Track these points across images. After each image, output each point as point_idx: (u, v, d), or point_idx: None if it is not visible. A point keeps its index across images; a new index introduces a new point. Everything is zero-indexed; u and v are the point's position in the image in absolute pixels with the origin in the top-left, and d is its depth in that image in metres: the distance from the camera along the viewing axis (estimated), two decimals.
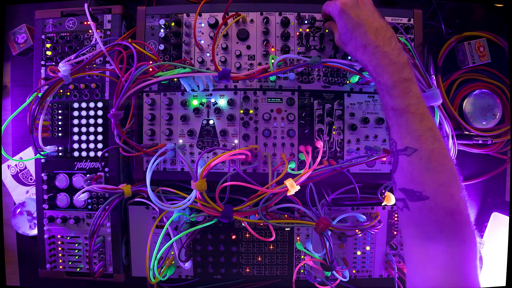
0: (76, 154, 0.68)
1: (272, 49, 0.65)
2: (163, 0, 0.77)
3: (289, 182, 0.54)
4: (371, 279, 0.70)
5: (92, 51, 0.66)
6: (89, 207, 0.69)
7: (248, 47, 0.65)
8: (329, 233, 0.59)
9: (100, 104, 0.67)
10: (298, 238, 0.69)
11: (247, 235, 0.69)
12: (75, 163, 0.68)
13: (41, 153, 0.65)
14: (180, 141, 0.66)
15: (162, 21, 0.65)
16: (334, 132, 0.65)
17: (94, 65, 0.68)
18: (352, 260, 0.69)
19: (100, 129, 0.67)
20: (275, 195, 0.56)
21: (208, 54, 0.66)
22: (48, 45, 0.68)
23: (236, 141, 0.66)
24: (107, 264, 0.69)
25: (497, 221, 0.75)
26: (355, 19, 0.48)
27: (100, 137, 0.67)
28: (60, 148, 0.68)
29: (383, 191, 0.66)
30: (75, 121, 0.68)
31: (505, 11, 0.75)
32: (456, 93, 0.75)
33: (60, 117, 0.68)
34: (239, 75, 0.56)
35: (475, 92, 0.74)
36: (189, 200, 0.56)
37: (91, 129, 0.68)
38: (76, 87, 0.67)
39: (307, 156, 0.61)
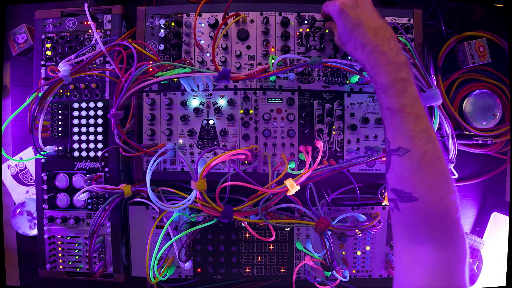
0: (76, 154, 0.68)
1: (272, 49, 0.65)
2: (163, 0, 0.77)
3: (289, 182, 0.54)
4: (371, 279, 0.70)
5: (92, 51, 0.66)
6: (89, 207, 0.69)
7: (248, 47, 0.65)
8: (329, 233, 0.59)
9: (100, 104, 0.67)
10: (298, 238, 0.69)
11: (247, 235, 0.69)
12: (75, 163, 0.68)
13: (41, 153, 0.65)
14: (180, 141, 0.66)
15: (162, 21, 0.65)
16: (334, 132, 0.65)
17: (94, 65, 0.68)
18: (352, 260, 0.69)
19: (100, 129, 0.67)
20: (275, 195, 0.56)
21: (208, 54, 0.66)
22: (48, 45, 0.68)
23: (236, 141, 0.66)
24: (107, 264, 0.69)
25: (497, 221, 0.76)
26: (354, 19, 0.48)
27: (100, 137, 0.67)
28: (60, 148, 0.68)
29: (383, 191, 0.66)
30: (75, 121, 0.68)
31: (505, 11, 0.75)
32: (456, 93, 0.75)
33: (60, 117, 0.68)
34: (239, 75, 0.56)
35: (475, 92, 0.74)
36: (189, 200, 0.56)
37: (91, 129, 0.68)
38: (76, 87, 0.67)
39: (307, 156, 0.61)
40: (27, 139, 0.79)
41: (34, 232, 0.76)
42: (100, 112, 0.67)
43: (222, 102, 0.65)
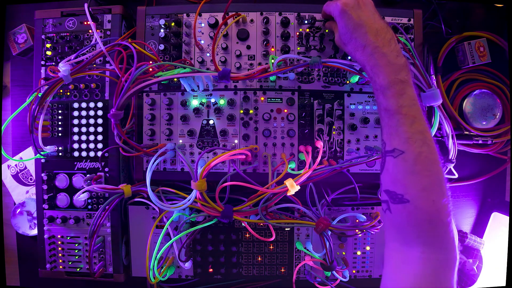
0: (76, 154, 0.68)
1: (272, 49, 0.65)
2: (163, 0, 0.77)
3: (289, 182, 0.54)
4: (371, 279, 0.70)
5: (92, 51, 0.66)
6: (89, 207, 0.69)
7: (248, 47, 0.65)
8: (329, 233, 0.59)
9: (100, 104, 0.67)
10: (298, 238, 0.69)
11: (247, 235, 0.69)
12: (75, 163, 0.68)
13: (41, 153, 0.65)
14: (180, 141, 0.66)
15: (162, 21, 0.65)
16: (334, 132, 0.65)
17: (94, 65, 0.68)
18: (352, 260, 0.69)
19: (100, 129, 0.67)
20: (275, 195, 0.56)
21: (208, 54, 0.66)
22: (48, 45, 0.68)
23: (236, 141, 0.66)
24: (107, 264, 0.69)
25: (497, 221, 0.75)
26: (356, 20, 0.48)
27: (100, 137, 0.67)
28: (60, 148, 0.68)
29: None
30: (75, 121, 0.68)
31: (505, 11, 0.75)
32: (456, 93, 0.75)
33: (60, 117, 0.68)
34: (239, 75, 0.56)
35: (475, 92, 0.74)
36: (189, 200, 0.56)
37: (91, 129, 0.68)
38: (76, 87, 0.67)
39: (307, 156, 0.61)
40: (27, 139, 0.79)
41: (34, 232, 0.76)
42: (100, 112, 0.67)
43: (222, 102, 0.65)
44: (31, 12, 0.70)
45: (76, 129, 0.68)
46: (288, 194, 0.55)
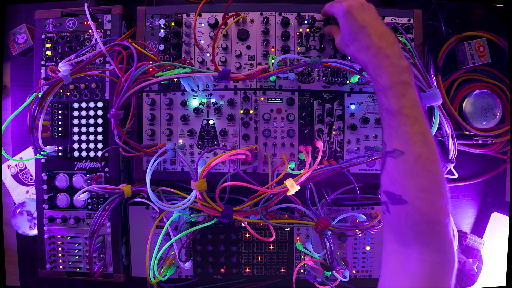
0: (76, 154, 0.68)
1: (272, 49, 0.65)
2: (163, 0, 0.77)
3: (289, 182, 0.54)
4: (371, 279, 0.70)
5: (92, 51, 0.66)
6: (89, 207, 0.69)
7: (248, 47, 0.65)
8: (329, 233, 0.59)
9: (100, 104, 0.67)
10: (298, 238, 0.69)
11: (247, 235, 0.69)
12: (75, 163, 0.68)
13: (41, 153, 0.65)
14: (180, 141, 0.66)
15: (162, 21, 0.65)
16: (334, 132, 0.65)
17: (94, 65, 0.68)
18: (352, 260, 0.69)
19: (100, 129, 0.67)
20: (275, 195, 0.56)
21: (208, 54, 0.66)
22: (48, 45, 0.68)
23: (236, 141, 0.66)
24: (107, 264, 0.69)
25: (497, 221, 0.75)
26: (360, 21, 0.49)
27: (100, 137, 0.67)
28: (60, 148, 0.68)
29: None
30: (75, 121, 0.68)
31: (505, 11, 0.75)
32: (456, 93, 0.75)
33: (60, 117, 0.68)
34: (239, 75, 0.56)
35: (475, 92, 0.74)
36: (189, 200, 0.56)
37: (91, 129, 0.68)
38: (76, 87, 0.67)
39: (307, 156, 0.61)
40: (27, 139, 0.79)
41: (34, 232, 0.76)
42: (100, 112, 0.67)
43: (222, 102, 0.65)
44: (31, 12, 0.70)
45: (76, 129, 0.68)
46: (288, 194, 0.55)
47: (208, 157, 0.65)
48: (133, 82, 0.54)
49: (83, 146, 0.68)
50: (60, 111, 0.68)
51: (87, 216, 0.69)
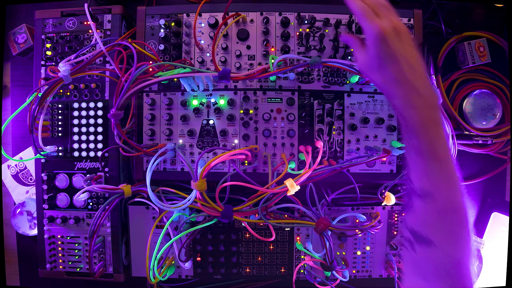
0: (76, 154, 0.68)
1: (272, 49, 0.65)
2: (163, 0, 0.77)
3: (289, 182, 0.54)
4: (371, 279, 0.70)
5: (92, 51, 0.66)
6: (89, 207, 0.69)
7: (248, 47, 0.65)
8: (329, 233, 0.59)
9: (100, 104, 0.67)
10: (298, 238, 0.69)
11: (247, 235, 0.69)
12: (75, 163, 0.68)
13: (41, 153, 0.65)
14: (180, 141, 0.66)
15: (162, 21, 0.65)
16: (334, 132, 0.65)
17: (94, 65, 0.68)
18: (352, 260, 0.69)
19: (100, 129, 0.67)
20: (275, 195, 0.56)
21: (208, 54, 0.66)
22: (48, 45, 0.68)
23: (236, 141, 0.66)
24: (107, 264, 0.69)
25: (497, 221, 0.75)
26: (392, 50, 0.44)
27: (100, 137, 0.67)
28: (60, 148, 0.68)
29: (383, 191, 0.66)
30: (75, 121, 0.68)
31: (505, 11, 0.75)
32: (456, 93, 0.75)
33: (60, 117, 0.68)
34: (239, 75, 0.56)
35: (475, 92, 0.74)
36: (189, 200, 0.56)
37: (91, 129, 0.68)
38: (76, 87, 0.67)
39: (307, 156, 0.61)
40: (27, 139, 0.79)
41: (34, 232, 0.76)
42: (100, 112, 0.67)
43: (222, 102, 0.65)
44: (31, 12, 0.70)
45: (76, 129, 0.68)
46: (288, 194, 0.55)
47: (208, 157, 0.65)
48: (133, 82, 0.54)
49: (83, 146, 0.68)
50: (60, 111, 0.68)
51: (87, 216, 0.69)
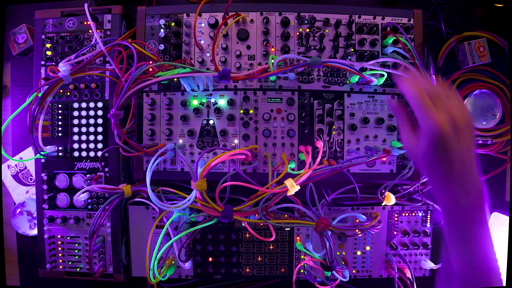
0: (76, 154, 0.68)
1: (272, 49, 0.65)
2: (163, 0, 0.77)
3: (289, 182, 0.54)
4: (371, 279, 0.70)
5: (92, 51, 0.66)
6: (89, 207, 0.69)
7: (248, 47, 0.65)
8: (329, 233, 0.59)
9: (100, 104, 0.67)
10: (298, 238, 0.69)
11: (247, 235, 0.69)
12: (75, 163, 0.68)
13: (41, 153, 0.65)
14: (180, 141, 0.66)
15: (162, 21, 0.65)
16: (334, 132, 0.65)
17: (94, 65, 0.68)
18: (352, 260, 0.69)
19: (100, 129, 0.67)
20: (275, 195, 0.56)
21: (208, 54, 0.66)
22: (48, 45, 0.68)
23: (236, 141, 0.66)
24: (107, 264, 0.69)
25: (497, 221, 0.75)
26: (446, 149, 0.41)
27: (100, 137, 0.67)
28: (60, 148, 0.68)
29: (383, 191, 0.66)
30: (75, 121, 0.68)
31: (505, 11, 0.75)
32: None
33: (60, 117, 0.68)
34: (239, 75, 0.56)
35: (475, 92, 0.74)
36: (189, 200, 0.56)
37: (91, 129, 0.68)
38: (76, 87, 0.67)
39: (307, 156, 0.61)
40: (27, 139, 0.79)
41: (34, 232, 0.76)
42: (100, 112, 0.67)
43: (222, 102, 0.65)
44: (31, 12, 0.70)
45: (76, 129, 0.68)
46: (288, 194, 0.55)
47: (208, 157, 0.65)
48: (133, 82, 0.53)
49: (83, 146, 0.68)
50: (60, 111, 0.68)
51: (87, 216, 0.69)
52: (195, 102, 0.65)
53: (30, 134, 0.61)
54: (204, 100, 0.65)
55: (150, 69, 0.57)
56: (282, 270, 0.70)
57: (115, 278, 0.69)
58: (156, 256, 0.59)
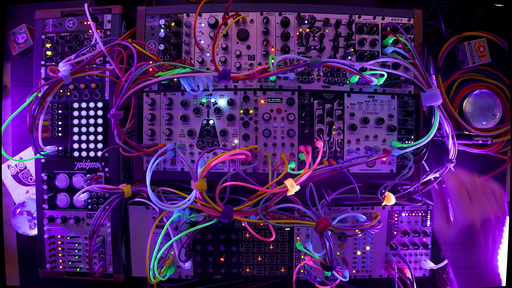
0: (76, 154, 0.68)
1: (272, 49, 0.65)
2: (163, 0, 0.77)
3: (289, 182, 0.54)
4: (371, 279, 0.70)
5: (92, 51, 0.66)
6: (89, 207, 0.69)
7: (248, 47, 0.65)
8: (329, 233, 0.59)
9: (100, 104, 0.67)
10: (298, 238, 0.69)
11: (247, 235, 0.69)
12: (75, 163, 0.68)
13: (41, 153, 0.65)
14: (180, 141, 0.66)
15: (162, 21, 0.65)
16: (334, 132, 0.65)
17: (94, 65, 0.68)
18: (352, 260, 0.69)
19: (100, 129, 0.67)
20: (275, 195, 0.56)
21: (208, 54, 0.66)
22: (48, 45, 0.68)
23: (236, 141, 0.66)
24: (107, 264, 0.69)
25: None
26: (472, 241, 0.49)
27: (100, 137, 0.67)
28: (60, 148, 0.68)
29: (383, 191, 0.66)
30: (75, 121, 0.68)
31: (505, 11, 0.75)
32: (456, 93, 0.75)
33: (60, 117, 0.68)
34: (239, 75, 0.56)
35: (475, 92, 0.74)
36: (189, 200, 0.56)
37: (91, 129, 0.68)
38: (76, 87, 0.67)
39: (307, 156, 0.61)
40: (27, 139, 0.79)
41: (34, 232, 0.76)
42: (100, 112, 0.67)
43: (222, 102, 0.65)
44: (31, 12, 0.70)
45: (76, 129, 0.68)
46: (288, 194, 0.55)
47: (208, 157, 0.65)
48: (133, 82, 0.53)
49: (83, 146, 0.68)
50: (60, 111, 0.68)
51: (87, 216, 0.69)
52: (195, 102, 0.65)
53: (30, 134, 0.61)
54: (204, 100, 0.65)
55: (150, 69, 0.57)
56: (282, 270, 0.70)
57: (115, 278, 0.69)
58: (156, 256, 0.59)
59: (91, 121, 0.68)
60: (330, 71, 0.66)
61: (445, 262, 0.68)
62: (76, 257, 0.69)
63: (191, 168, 0.55)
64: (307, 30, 0.65)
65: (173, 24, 0.66)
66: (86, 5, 0.62)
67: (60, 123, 0.68)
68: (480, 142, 0.74)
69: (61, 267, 0.69)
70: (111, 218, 0.68)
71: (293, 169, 0.64)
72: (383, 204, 0.67)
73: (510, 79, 0.74)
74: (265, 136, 0.64)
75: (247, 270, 0.69)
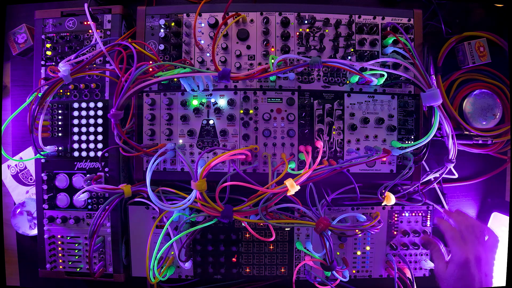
0: (76, 154, 0.68)
1: (272, 49, 0.65)
2: (163, 0, 0.77)
3: (289, 182, 0.54)
4: (371, 279, 0.70)
5: (92, 51, 0.66)
6: (89, 207, 0.69)
7: (248, 47, 0.65)
8: (329, 233, 0.59)
9: (100, 104, 0.67)
10: (298, 238, 0.69)
11: (247, 235, 0.69)
12: (75, 163, 0.68)
13: (41, 153, 0.65)
14: (180, 141, 0.66)
15: (162, 21, 0.65)
16: (334, 132, 0.65)
17: (94, 65, 0.68)
18: (352, 260, 0.69)
19: (100, 129, 0.67)
20: (275, 195, 0.56)
21: (208, 54, 0.66)
22: (48, 45, 0.68)
23: (236, 141, 0.66)
24: (107, 264, 0.69)
25: (497, 221, 0.75)
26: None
27: (100, 137, 0.67)
28: (60, 148, 0.68)
29: (383, 191, 0.66)
30: (75, 121, 0.68)
31: (505, 11, 0.75)
32: (456, 93, 0.75)
33: (60, 117, 0.68)
34: (239, 75, 0.56)
35: (475, 92, 0.74)
36: (189, 200, 0.56)
37: (91, 129, 0.68)
38: (76, 87, 0.67)
39: (307, 156, 0.61)
40: (27, 139, 0.79)
41: (34, 232, 0.76)
42: (100, 112, 0.67)
43: (222, 102, 0.65)
44: (31, 12, 0.70)
45: (76, 129, 0.68)
46: (288, 194, 0.55)
47: (208, 157, 0.65)
48: (133, 82, 0.53)
49: (83, 146, 0.68)
50: (60, 111, 0.68)
51: (87, 216, 0.69)
52: (195, 102, 0.65)
53: (30, 134, 0.61)
54: (204, 100, 0.65)
55: (150, 69, 0.57)
56: (282, 270, 0.70)
57: (115, 278, 0.69)
58: (156, 256, 0.59)
59: (91, 121, 0.68)
60: (330, 71, 0.66)
61: None
62: (76, 257, 0.69)
63: (191, 168, 0.55)
64: (307, 30, 0.65)
65: (173, 24, 0.66)
66: (86, 5, 0.62)
67: (60, 123, 0.68)
68: (480, 142, 0.74)
69: (61, 267, 0.69)
70: (111, 218, 0.68)
71: (293, 169, 0.64)
72: (383, 204, 0.67)
73: (510, 79, 0.74)
74: (265, 136, 0.64)
75: (247, 270, 0.69)
